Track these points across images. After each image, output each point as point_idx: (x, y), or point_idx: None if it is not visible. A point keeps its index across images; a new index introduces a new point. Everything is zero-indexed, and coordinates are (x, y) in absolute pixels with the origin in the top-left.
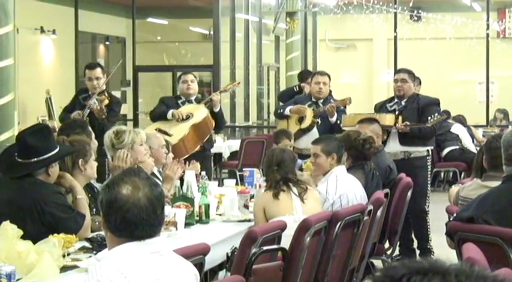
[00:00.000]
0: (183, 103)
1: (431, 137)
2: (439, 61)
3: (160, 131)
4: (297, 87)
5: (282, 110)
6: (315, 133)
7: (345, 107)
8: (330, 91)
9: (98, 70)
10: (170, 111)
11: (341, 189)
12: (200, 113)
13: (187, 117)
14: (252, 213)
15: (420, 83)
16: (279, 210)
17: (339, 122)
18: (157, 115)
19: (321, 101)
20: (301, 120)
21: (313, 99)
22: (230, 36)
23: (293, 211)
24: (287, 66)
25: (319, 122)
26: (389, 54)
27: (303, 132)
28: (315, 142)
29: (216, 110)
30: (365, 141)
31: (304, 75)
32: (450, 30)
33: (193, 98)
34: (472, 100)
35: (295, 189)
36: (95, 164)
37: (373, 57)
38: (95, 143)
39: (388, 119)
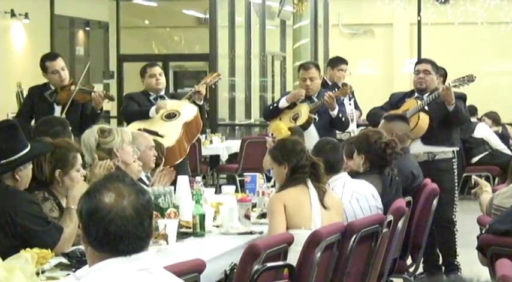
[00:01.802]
0: (155, 99)
1: (465, 122)
2: (469, 49)
3: (147, 131)
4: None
5: (275, 105)
6: (312, 132)
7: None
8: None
9: (61, 59)
10: (153, 108)
11: None
12: (188, 110)
13: (174, 116)
14: (254, 224)
15: (445, 74)
16: (297, 221)
17: (340, 115)
18: (136, 114)
19: (315, 95)
20: (296, 118)
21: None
22: (229, 20)
23: (311, 224)
24: (294, 56)
25: (317, 118)
26: (412, 42)
27: None
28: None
29: (200, 103)
30: (387, 146)
31: (329, 64)
32: (482, 14)
33: (162, 93)
34: (507, 94)
35: (315, 191)
36: (78, 174)
37: (394, 44)
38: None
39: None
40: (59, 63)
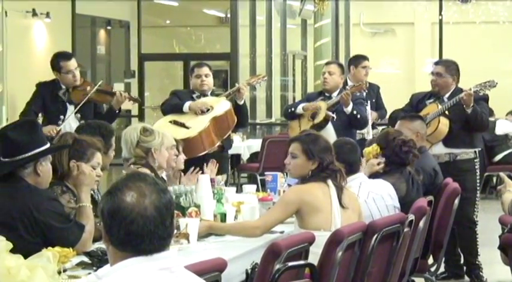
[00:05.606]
0: (198, 97)
1: (486, 127)
2: (490, 48)
3: (176, 123)
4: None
5: (293, 109)
6: (330, 129)
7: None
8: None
9: (74, 59)
10: (187, 103)
11: None
12: (221, 105)
13: (207, 110)
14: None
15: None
16: (315, 222)
17: (355, 112)
18: (171, 107)
19: (335, 93)
20: (314, 116)
21: (326, 94)
22: (250, 19)
23: (331, 226)
24: (315, 55)
25: (335, 117)
26: (434, 41)
27: (316, 128)
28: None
29: (241, 103)
30: (404, 143)
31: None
32: (504, 13)
33: (209, 93)
34: None
35: (335, 190)
36: (92, 171)
37: (415, 44)
38: (110, 157)
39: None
40: (74, 63)
